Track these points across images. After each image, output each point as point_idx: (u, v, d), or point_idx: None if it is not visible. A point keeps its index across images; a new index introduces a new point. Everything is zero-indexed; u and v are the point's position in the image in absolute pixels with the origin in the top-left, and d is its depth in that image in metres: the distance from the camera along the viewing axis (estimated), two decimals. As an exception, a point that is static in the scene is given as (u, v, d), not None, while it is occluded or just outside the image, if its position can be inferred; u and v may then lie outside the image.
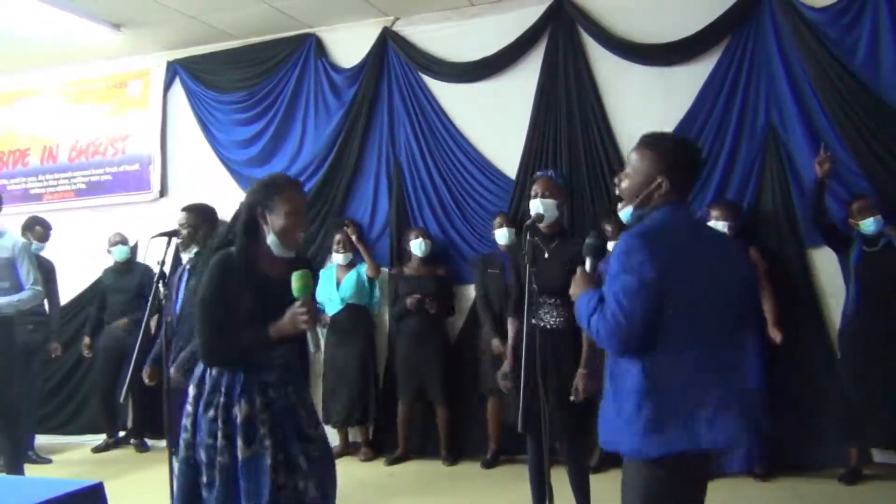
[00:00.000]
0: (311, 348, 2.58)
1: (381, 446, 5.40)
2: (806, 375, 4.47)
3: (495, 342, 4.74)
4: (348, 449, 5.44)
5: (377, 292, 5.51)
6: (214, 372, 2.53)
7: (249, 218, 2.56)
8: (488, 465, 4.99)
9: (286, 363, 2.59)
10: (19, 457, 4.67)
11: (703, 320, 2.08)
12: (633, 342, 2.05)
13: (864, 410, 4.16)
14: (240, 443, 2.45)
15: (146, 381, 3.99)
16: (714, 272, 2.14)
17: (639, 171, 2.20)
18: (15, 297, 4.42)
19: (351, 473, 5.04)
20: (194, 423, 2.53)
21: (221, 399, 2.49)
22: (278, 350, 2.55)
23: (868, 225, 4.23)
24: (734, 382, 2.13)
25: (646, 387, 2.05)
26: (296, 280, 2.43)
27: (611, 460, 4.67)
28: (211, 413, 2.49)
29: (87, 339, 5.88)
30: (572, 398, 3.16)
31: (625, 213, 2.30)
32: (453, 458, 5.14)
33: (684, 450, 2.04)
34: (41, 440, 5.85)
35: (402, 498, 4.51)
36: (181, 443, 2.56)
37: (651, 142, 2.22)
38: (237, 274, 2.49)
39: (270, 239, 2.55)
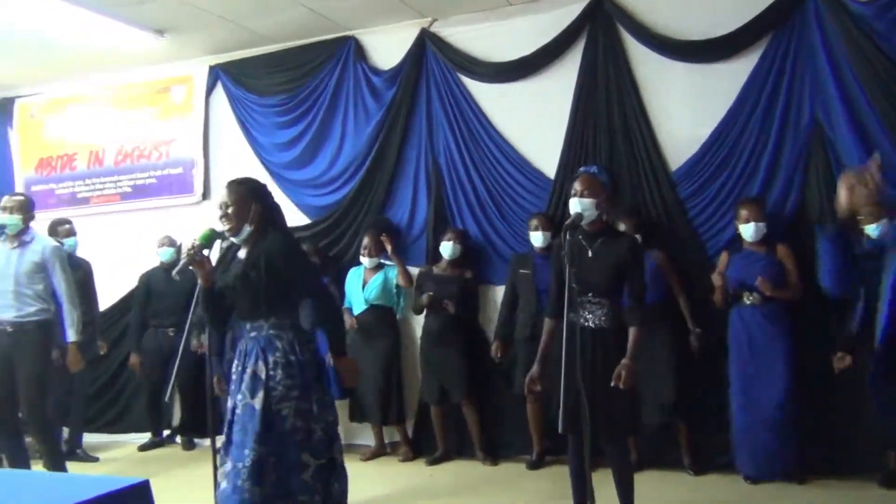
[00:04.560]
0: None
1: (420, 446, 5.42)
2: (843, 378, 4.31)
3: (496, 345, 5.07)
4: (383, 449, 5.47)
5: (403, 301, 5.51)
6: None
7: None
8: (534, 465, 4.95)
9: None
10: (60, 457, 4.75)
11: None
12: None
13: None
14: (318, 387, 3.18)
15: (218, 392, 4.01)
16: None
17: None
18: (72, 321, 4.55)
19: (391, 474, 5.07)
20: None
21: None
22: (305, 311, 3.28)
23: (871, 229, 3.95)
24: None
25: None
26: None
27: (648, 461, 4.65)
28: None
29: (133, 359, 5.95)
30: (612, 384, 3.11)
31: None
32: (492, 458, 5.13)
33: None
34: (89, 438, 5.98)
35: (444, 499, 4.51)
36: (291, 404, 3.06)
37: None
38: None
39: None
